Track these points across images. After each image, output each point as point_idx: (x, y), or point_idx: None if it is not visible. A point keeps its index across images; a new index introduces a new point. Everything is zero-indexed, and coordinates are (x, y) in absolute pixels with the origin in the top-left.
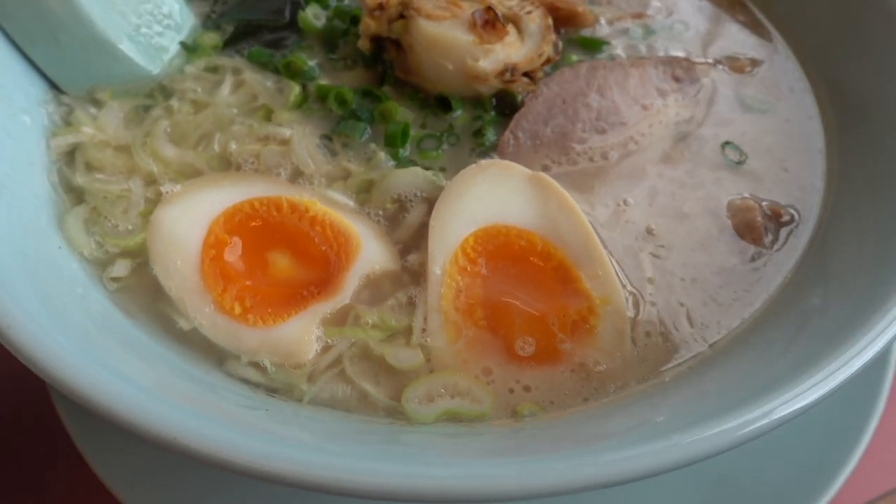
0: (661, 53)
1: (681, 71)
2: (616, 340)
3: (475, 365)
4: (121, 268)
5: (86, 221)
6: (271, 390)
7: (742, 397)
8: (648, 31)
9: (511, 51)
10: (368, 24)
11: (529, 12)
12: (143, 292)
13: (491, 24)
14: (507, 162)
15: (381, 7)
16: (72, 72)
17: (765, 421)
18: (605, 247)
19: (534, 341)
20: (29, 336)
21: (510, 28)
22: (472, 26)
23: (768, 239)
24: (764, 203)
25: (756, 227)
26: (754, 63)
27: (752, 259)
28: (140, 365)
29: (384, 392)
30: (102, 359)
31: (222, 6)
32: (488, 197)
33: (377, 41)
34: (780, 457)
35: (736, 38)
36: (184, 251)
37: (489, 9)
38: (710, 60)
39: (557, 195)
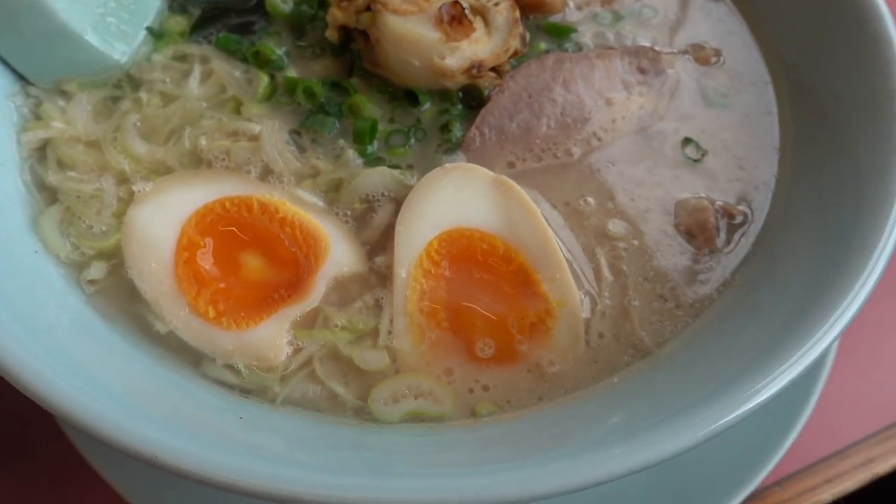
0: (629, 40)
1: (647, 62)
2: (571, 342)
3: (438, 365)
4: (97, 270)
5: (60, 223)
6: (245, 392)
7: (692, 400)
8: (617, 17)
9: (478, 47)
10: (336, 15)
11: (497, 4)
12: (120, 294)
13: (458, 20)
14: (470, 165)
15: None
16: (38, 64)
17: (716, 423)
18: (564, 246)
19: (493, 343)
20: (4, 347)
21: (477, 21)
22: (439, 22)
23: (720, 240)
24: (718, 203)
25: (708, 229)
26: (718, 54)
27: (703, 259)
28: (118, 371)
29: (352, 393)
30: (81, 369)
31: None
32: (452, 200)
33: (345, 31)
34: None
35: (703, 26)
36: (157, 253)
37: (456, 3)
38: (676, 50)
39: (518, 198)
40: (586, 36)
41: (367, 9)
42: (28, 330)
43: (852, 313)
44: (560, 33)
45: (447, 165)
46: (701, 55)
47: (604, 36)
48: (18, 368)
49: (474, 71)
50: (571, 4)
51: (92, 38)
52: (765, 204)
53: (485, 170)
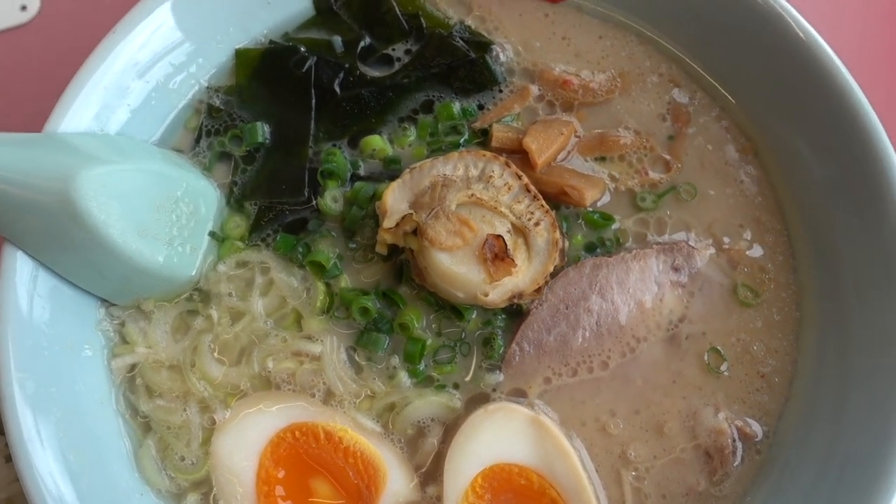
0: (667, 226)
1: (681, 259)
2: None
3: None
4: (192, 501)
5: (155, 457)
6: None
7: None
8: (656, 197)
9: (518, 279)
10: (384, 237)
11: (537, 224)
12: None
13: (500, 257)
14: (510, 405)
15: (396, 225)
16: (117, 292)
17: None
18: (590, 471)
19: None
20: None
21: (519, 245)
22: (483, 260)
23: (734, 462)
24: (736, 423)
25: (724, 452)
26: (751, 246)
27: (718, 481)
28: None
29: None
30: None
31: (241, 175)
32: (494, 439)
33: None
34: None
35: (736, 207)
36: (241, 483)
37: (499, 237)
38: (710, 242)
39: (554, 438)
40: (627, 222)
41: (414, 232)
42: None
43: None
44: (599, 226)
45: (489, 407)
46: (735, 250)
47: (643, 222)
48: None
49: (515, 299)
50: (612, 186)
51: (166, 267)
52: (782, 420)
53: (524, 410)
